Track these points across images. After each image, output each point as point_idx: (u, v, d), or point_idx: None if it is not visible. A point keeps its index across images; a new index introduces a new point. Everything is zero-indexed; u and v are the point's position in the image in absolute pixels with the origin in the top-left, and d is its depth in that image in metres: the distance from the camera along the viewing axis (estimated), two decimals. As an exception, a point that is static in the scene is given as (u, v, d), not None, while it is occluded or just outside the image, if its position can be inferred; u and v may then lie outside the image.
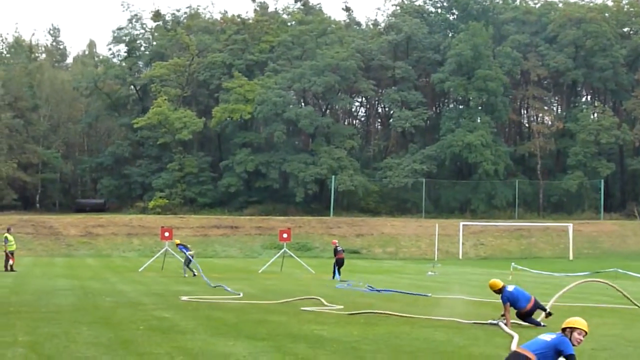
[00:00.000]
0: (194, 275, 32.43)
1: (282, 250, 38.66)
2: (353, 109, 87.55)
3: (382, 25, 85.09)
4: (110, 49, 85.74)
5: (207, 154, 76.09)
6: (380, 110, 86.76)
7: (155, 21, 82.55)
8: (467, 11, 77.83)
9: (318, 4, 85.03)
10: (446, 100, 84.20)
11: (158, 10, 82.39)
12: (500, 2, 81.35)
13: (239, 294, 23.79)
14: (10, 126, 72.76)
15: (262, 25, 78.31)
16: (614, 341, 14.92)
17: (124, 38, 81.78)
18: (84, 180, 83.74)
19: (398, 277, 34.95)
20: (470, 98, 72.72)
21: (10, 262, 34.62)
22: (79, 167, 79.79)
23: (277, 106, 69.38)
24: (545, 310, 17.29)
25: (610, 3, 79.12)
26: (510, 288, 17.14)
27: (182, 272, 33.15)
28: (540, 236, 61.78)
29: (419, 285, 28.99)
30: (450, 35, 78.63)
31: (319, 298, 21.80)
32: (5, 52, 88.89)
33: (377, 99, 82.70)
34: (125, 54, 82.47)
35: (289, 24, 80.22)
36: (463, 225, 58.40)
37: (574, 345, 9.46)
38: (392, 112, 77.91)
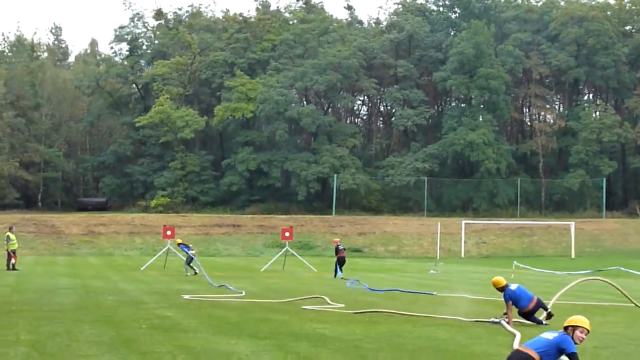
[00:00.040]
0: (195, 273, 32.44)
1: (284, 249, 38.62)
2: (355, 108, 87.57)
3: (384, 23, 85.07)
4: (112, 48, 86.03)
5: (209, 153, 76.09)
6: (382, 108, 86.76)
7: (157, 20, 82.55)
8: (469, 9, 77.83)
9: (320, 3, 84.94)
10: (448, 99, 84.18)
11: (160, 9, 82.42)
12: (502, 0, 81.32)
13: (241, 293, 23.80)
14: (12, 125, 72.78)
15: (264, 24, 78.33)
16: (616, 339, 14.92)
17: (126, 37, 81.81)
18: (86, 179, 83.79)
19: (400, 276, 34.95)
20: (472, 96, 72.69)
21: (12, 261, 34.67)
22: (81, 166, 79.84)
23: (279, 105, 69.39)
24: (547, 309, 17.28)
25: (612, 1, 79.00)
26: (513, 287, 17.13)
27: (184, 270, 33.15)
28: (542, 234, 61.74)
29: (421, 284, 28.99)
30: (452, 33, 78.64)
31: (323, 297, 21.79)
32: (7, 51, 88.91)
33: (379, 97, 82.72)
34: (127, 53, 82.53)
35: (290, 22, 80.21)
36: (465, 223, 58.34)
37: (576, 343, 9.47)
38: (394, 110, 77.89)
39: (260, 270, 36.59)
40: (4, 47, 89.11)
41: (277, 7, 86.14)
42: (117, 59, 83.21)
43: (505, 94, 72.41)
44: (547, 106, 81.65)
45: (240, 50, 76.45)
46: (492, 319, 17.12)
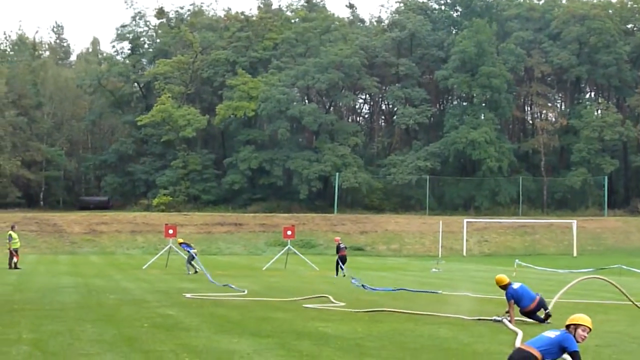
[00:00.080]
0: (195, 272, 32.45)
1: (286, 248, 38.62)
2: (357, 106, 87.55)
3: (386, 22, 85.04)
4: (113, 47, 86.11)
5: (210, 152, 76.09)
6: (384, 107, 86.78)
7: (158, 18, 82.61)
8: (471, 8, 77.82)
9: (322, 1, 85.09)
10: (450, 97, 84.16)
11: (162, 8, 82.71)
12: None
13: (244, 291, 23.81)
14: (14, 124, 72.82)
15: (266, 23, 78.37)
16: (618, 338, 14.92)
17: (128, 35, 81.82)
18: (87, 177, 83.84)
19: (402, 274, 34.96)
20: (474, 95, 72.65)
21: (15, 259, 34.69)
22: (82, 165, 79.91)
23: (280, 103, 69.39)
24: (546, 309, 17.24)
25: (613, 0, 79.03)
26: (515, 285, 17.12)
27: (186, 269, 33.14)
28: (544, 233, 61.73)
29: (423, 282, 29.00)
30: (454, 32, 78.59)
31: (327, 296, 21.78)
32: (9, 50, 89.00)
33: (380, 96, 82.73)
34: (129, 52, 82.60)
35: (292, 21, 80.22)
36: (467, 222, 58.34)
37: (578, 342, 9.46)
38: (395, 109, 77.92)
39: (262, 269, 36.58)
40: (6, 46, 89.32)
41: (279, 5, 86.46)
42: (118, 57, 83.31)
43: (507, 92, 72.40)
44: (549, 104, 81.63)
45: (242, 49, 76.46)
46: (494, 318, 17.12)
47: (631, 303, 19.44)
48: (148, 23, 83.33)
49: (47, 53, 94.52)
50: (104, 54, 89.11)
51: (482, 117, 71.80)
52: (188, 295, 22.39)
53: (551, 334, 9.55)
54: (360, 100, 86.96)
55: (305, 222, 60.34)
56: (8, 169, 68.79)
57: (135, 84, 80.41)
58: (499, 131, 72.38)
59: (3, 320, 16.36)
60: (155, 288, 25.20)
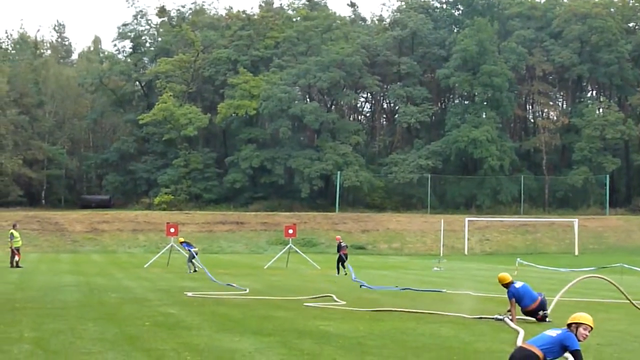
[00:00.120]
0: (195, 270, 32.45)
1: (288, 246, 38.64)
2: (358, 105, 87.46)
3: (387, 20, 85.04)
4: (115, 45, 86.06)
5: (212, 150, 76.07)
6: (385, 105, 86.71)
7: (160, 17, 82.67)
8: (472, 6, 77.78)
9: (323, 0, 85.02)
10: (451, 96, 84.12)
11: (163, 7, 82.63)
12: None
13: (245, 290, 23.82)
14: (16, 122, 72.85)
15: (267, 21, 78.36)
16: (619, 337, 14.91)
17: (129, 34, 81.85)
18: (89, 176, 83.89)
19: (403, 273, 34.95)
20: (476, 93, 72.65)
21: (16, 258, 34.69)
22: (84, 163, 79.92)
23: (282, 102, 69.39)
24: (545, 310, 17.19)
25: (615, -2, 78.99)
26: (518, 285, 17.11)
27: (187, 268, 33.14)
28: (545, 231, 61.72)
29: (424, 281, 29.00)
30: (455, 30, 78.55)
31: (331, 295, 21.77)
32: (10, 49, 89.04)
33: (382, 94, 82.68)
34: (131, 50, 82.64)
35: (294, 19, 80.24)
36: (468, 220, 58.34)
37: (579, 340, 9.46)
38: (397, 107, 77.90)
39: (263, 268, 36.60)
40: (8, 45, 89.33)
41: (280, 4, 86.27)
42: (120, 56, 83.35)
43: (508, 91, 72.35)
44: (551, 103, 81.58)
45: (244, 48, 76.46)
46: (495, 316, 17.13)
47: (635, 301, 19.42)
48: (149, 22, 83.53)
49: (49, 52, 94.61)
50: (106, 53, 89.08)
51: (484, 116, 71.82)
52: (189, 293, 22.40)
53: (553, 332, 9.55)
54: (362, 99, 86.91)
55: (307, 221, 60.35)
56: (10, 168, 68.83)
57: (137, 83, 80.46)
58: (500, 130, 72.35)
59: (5, 318, 16.36)
60: (156, 287, 25.21)
